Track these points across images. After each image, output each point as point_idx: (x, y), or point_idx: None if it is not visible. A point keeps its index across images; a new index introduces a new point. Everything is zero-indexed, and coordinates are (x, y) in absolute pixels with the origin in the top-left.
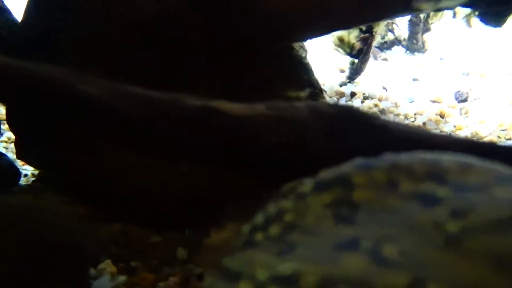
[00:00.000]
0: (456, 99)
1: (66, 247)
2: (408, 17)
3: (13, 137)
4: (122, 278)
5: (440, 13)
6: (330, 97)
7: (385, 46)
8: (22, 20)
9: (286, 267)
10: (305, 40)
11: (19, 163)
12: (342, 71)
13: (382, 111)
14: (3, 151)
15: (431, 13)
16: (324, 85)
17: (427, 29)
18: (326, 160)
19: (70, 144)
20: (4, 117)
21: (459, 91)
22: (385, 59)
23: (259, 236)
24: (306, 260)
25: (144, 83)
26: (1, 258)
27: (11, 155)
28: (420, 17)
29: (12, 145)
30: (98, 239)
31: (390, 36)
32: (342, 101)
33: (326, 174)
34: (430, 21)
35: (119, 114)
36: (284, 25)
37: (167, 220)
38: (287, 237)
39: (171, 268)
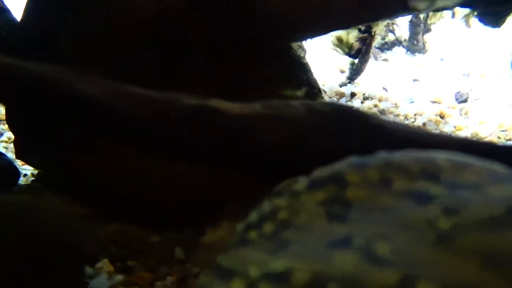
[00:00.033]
0: (456, 99)
1: (64, 246)
2: (409, 18)
3: (13, 137)
4: (119, 277)
5: (439, 14)
6: (330, 97)
7: (386, 46)
8: (21, 20)
9: (278, 264)
10: (305, 39)
11: (18, 163)
12: (342, 72)
13: (382, 112)
14: (3, 151)
15: (430, 14)
16: (324, 85)
17: (427, 30)
18: (322, 159)
19: (70, 144)
20: (4, 117)
21: (459, 91)
22: (385, 60)
23: (253, 234)
24: (298, 257)
25: (144, 83)
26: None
27: (11, 155)
28: (421, 18)
29: (12, 145)
30: (97, 239)
31: (390, 37)
32: (342, 102)
33: (320, 172)
34: (430, 22)
35: (118, 114)
36: (284, 25)
37: (167, 220)
38: (281, 235)
39: (169, 268)
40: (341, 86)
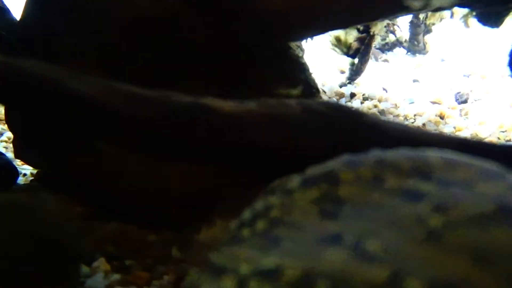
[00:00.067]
0: (456, 100)
1: (60, 245)
2: (409, 18)
3: (13, 136)
4: (116, 276)
5: (438, 14)
6: (330, 97)
7: (387, 47)
8: (20, 20)
9: (269, 261)
10: (302, 39)
11: (18, 163)
12: (343, 72)
13: (382, 112)
14: (3, 150)
15: (430, 14)
16: (324, 85)
17: (428, 31)
18: (318, 157)
19: (69, 144)
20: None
21: (460, 92)
22: (386, 60)
23: (246, 232)
24: (289, 254)
25: (143, 83)
26: None
27: (11, 155)
28: (421, 19)
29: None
30: (93, 238)
31: (391, 38)
32: (342, 102)
33: (313, 170)
34: (429, 22)
35: (114, 112)
36: (282, 24)
37: (166, 219)
38: (273, 232)
39: (166, 267)
40: (341, 86)
